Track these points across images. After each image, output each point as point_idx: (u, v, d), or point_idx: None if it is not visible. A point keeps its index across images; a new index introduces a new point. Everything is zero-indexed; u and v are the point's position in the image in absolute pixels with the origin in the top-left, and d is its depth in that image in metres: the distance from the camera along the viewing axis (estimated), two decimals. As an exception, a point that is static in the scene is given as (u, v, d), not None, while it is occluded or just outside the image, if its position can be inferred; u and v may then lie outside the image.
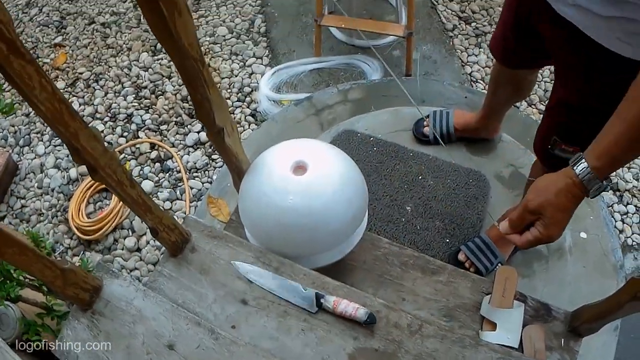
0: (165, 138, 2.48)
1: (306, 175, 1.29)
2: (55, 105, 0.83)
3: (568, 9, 1.08)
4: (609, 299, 1.14)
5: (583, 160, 0.96)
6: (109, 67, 2.81)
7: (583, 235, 2.00)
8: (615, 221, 2.18)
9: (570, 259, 1.94)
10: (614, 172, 2.25)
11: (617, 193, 2.25)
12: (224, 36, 2.86)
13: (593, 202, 2.05)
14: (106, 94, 2.69)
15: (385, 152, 2.16)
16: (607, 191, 1.02)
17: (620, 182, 2.27)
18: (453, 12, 2.83)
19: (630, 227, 2.18)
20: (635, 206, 2.23)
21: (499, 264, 1.85)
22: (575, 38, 1.10)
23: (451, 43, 2.69)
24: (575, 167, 0.97)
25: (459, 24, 2.78)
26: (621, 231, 2.17)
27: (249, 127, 2.47)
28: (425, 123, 2.20)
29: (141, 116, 2.57)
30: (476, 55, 2.64)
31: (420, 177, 2.09)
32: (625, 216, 2.21)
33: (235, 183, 1.51)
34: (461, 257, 1.87)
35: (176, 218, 2.18)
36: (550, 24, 1.20)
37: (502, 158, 2.17)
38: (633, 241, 2.14)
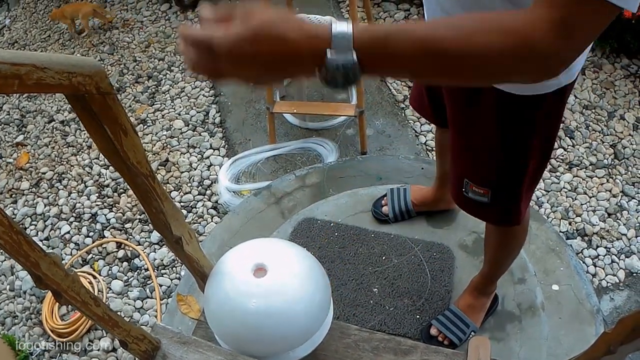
0: (130, 236, 2.46)
1: (267, 277, 1.29)
2: (13, 237, 0.83)
3: None
4: (583, 356, 1.12)
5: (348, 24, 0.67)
6: (71, 165, 2.81)
7: (555, 287, 2.00)
8: (587, 266, 2.19)
9: (544, 314, 1.94)
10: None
11: (586, 238, 2.27)
12: (181, 129, 2.88)
13: (562, 253, 2.07)
14: (70, 193, 2.68)
15: (346, 236, 2.16)
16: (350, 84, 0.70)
17: (587, 226, 2.28)
18: (402, 83, 2.89)
19: (603, 269, 2.19)
20: (605, 247, 2.25)
21: (472, 333, 1.85)
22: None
23: (403, 114, 2.73)
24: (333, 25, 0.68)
25: (409, 93, 2.83)
26: (594, 275, 2.17)
27: (212, 221, 2.46)
28: (383, 202, 2.21)
29: (105, 215, 2.55)
30: (428, 124, 2.68)
31: (384, 257, 2.10)
32: (596, 259, 2.22)
33: (200, 286, 1.52)
34: (433, 331, 1.86)
35: (147, 317, 2.18)
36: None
37: (463, 226, 2.18)
38: (607, 282, 2.14)
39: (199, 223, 2.45)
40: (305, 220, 2.23)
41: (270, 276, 1.30)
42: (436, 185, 2.10)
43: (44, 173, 2.80)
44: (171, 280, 2.30)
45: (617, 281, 2.17)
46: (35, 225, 2.57)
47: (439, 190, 2.10)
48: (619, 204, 2.40)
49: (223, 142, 2.76)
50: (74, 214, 2.59)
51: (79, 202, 2.63)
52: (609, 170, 2.51)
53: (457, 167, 1.41)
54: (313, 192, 2.36)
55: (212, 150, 2.74)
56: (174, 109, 3.01)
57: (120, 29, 3.77)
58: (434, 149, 2.58)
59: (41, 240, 2.49)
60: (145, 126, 2.95)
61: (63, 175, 2.77)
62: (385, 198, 2.22)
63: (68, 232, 2.52)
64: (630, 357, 1.73)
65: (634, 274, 2.19)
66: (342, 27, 0.66)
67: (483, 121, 1.22)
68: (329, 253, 2.11)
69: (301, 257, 1.41)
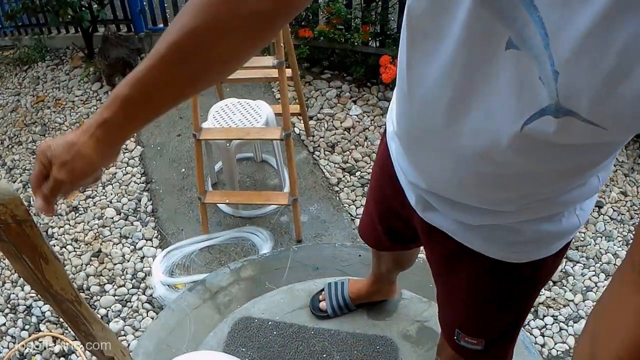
0: (66, 330, 2.37)
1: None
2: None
3: (436, 217, 1.08)
4: None
5: None
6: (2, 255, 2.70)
7: None
8: (535, 337, 2.20)
9: None
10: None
11: (532, 310, 2.29)
12: (112, 218, 2.82)
13: None
14: (3, 283, 2.58)
15: (285, 334, 2.12)
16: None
17: None
18: (336, 165, 2.91)
19: (552, 337, 2.21)
20: (552, 316, 2.27)
21: None
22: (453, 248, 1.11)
23: (337, 198, 2.75)
24: None
25: (343, 176, 2.86)
26: (543, 345, 2.19)
27: (147, 315, 2.39)
28: (320, 297, 2.18)
29: (40, 307, 2.45)
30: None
31: (325, 355, 2.05)
32: (544, 329, 2.24)
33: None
34: None
35: None
36: (421, 230, 1.21)
37: (405, 316, 2.16)
38: (557, 351, 2.16)
39: (134, 318, 2.38)
40: (242, 320, 2.18)
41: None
42: (372, 279, 2.08)
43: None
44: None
45: (567, 348, 2.19)
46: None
47: (375, 284, 2.08)
48: (563, 270, 2.45)
49: (155, 232, 2.71)
50: (9, 305, 2.48)
51: (13, 293, 2.53)
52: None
53: (446, 316, 1.36)
54: (248, 286, 2.32)
55: (144, 241, 2.68)
56: (106, 196, 2.95)
57: (52, 109, 3.71)
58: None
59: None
60: (77, 214, 2.88)
61: (-4, 265, 2.67)
62: (322, 293, 2.19)
63: (4, 324, 2.42)
64: None
65: None
66: None
67: (472, 278, 1.18)
68: (269, 353, 2.06)
69: None
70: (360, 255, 2.40)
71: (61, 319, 2.41)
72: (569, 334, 2.23)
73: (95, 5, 3.95)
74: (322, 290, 2.20)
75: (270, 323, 2.16)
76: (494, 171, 0.81)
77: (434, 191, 1.00)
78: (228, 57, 0.79)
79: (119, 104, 0.77)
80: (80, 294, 2.49)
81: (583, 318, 2.29)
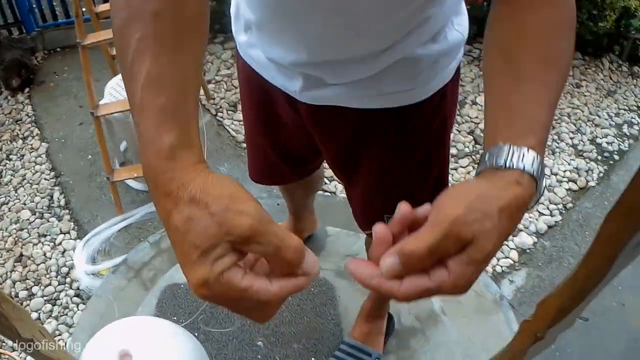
0: (3, 342, 2.30)
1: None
2: None
3: (327, 92, 1.04)
4: (508, 352, 1.07)
5: (525, 149, 0.60)
6: None
7: None
8: None
9: (447, 318, 1.90)
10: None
11: None
12: (28, 219, 2.75)
13: None
14: None
15: (212, 293, 2.09)
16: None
17: None
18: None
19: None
20: None
21: None
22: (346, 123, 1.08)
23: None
24: (519, 163, 0.59)
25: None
26: None
27: (78, 309, 2.35)
28: None
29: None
30: (275, 157, 2.67)
31: (258, 309, 2.03)
32: None
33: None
34: None
35: None
36: (314, 123, 1.15)
37: (335, 252, 2.13)
38: (502, 267, 2.17)
39: (67, 314, 2.34)
40: (168, 288, 2.14)
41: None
42: (292, 218, 2.05)
43: None
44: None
45: (512, 262, 2.20)
46: None
47: (297, 222, 2.06)
48: None
49: (72, 224, 2.65)
50: None
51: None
52: (472, 157, 2.55)
53: (366, 212, 1.32)
54: (171, 256, 2.28)
55: (62, 235, 2.63)
56: (19, 199, 2.87)
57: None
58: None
59: None
60: (-7, 223, 2.79)
61: None
62: None
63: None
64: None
65: (527, 251, 2.21)
66: (538, 167, 0.62)
67: (383, 151, 1.15)
68: (202, 316, 2.02)
69: (168, 333, 1.35)
70: (278, 204, 2.37)
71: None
72: (511, 248, 2.24)
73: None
74: None
75: (196, 286, 2.12)
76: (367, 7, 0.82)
77: (319, 59, 0.97)
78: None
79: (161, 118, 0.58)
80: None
81: (522, 230, 2.29)
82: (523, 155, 0.59)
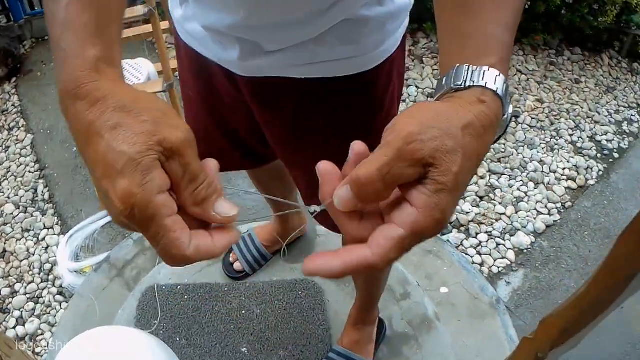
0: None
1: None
2: None
3: (267, 60, 0.97)
4: None
5: (486, 67, 0.54)
6: None
7: (444, 290, 1.93)
8: (472, 257, 2.15)
9: (440, 323, 1.86)
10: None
11: (462, 228, 2.24)
12: (12, 213, 2.67)
13: (441, 252, 2.01)
14: None
15: (197, 297, 2.02)
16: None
17: (461, 215, 2.25)
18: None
19: (490, 254, 2.16)
20: (486, 232, 2.23)
21: None
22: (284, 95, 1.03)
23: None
24: (480, 81, 0.54)
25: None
26: (482, 264, 2.14)
27: (61, 308, 2.28)
28: (231, 258, 2.06)
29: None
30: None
31: (244, 312, 1.96)
32: (479, 247, 2.19)
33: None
34: None
35: None
36: (253, 98, 1.08)
37: (325, 253, 2.08)
38: (498, 268, 2.12)
39: (49, 314, 2.27)
40: (149, 289, 2.07)
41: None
42: (278, 219, 1.99)
43: None
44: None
45: (509, 263, 2.15)
46: None
47: (284, 223, 2.00)
48: (488, 184, 2.40)
49: (55, 218, 2.58)
50: None
51: None
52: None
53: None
54: (155, 254, 2.21)
55: (46, 230, 2.55)
56: (3, 192, 2.79)
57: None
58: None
59: None
60: (-24, 218, 2.71)
61: None
62: (232, 253, 2.07)
63: None
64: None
65: (525, 250, 2.16)
66: (503, 84, 0.56)
67: (325, 123, 1.09)
68: (184, 320, 1.96)
69: (143, 347, 1.30)
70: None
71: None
72: (508, 248, 2.19)
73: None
74: (231, 251, 2.08)
75: (179, 287, 2.06)
76: None
77: (256, 21, 0.90)
78: None
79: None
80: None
81: (519, 230, 2.24)
82: (484, 73, 0.54)
